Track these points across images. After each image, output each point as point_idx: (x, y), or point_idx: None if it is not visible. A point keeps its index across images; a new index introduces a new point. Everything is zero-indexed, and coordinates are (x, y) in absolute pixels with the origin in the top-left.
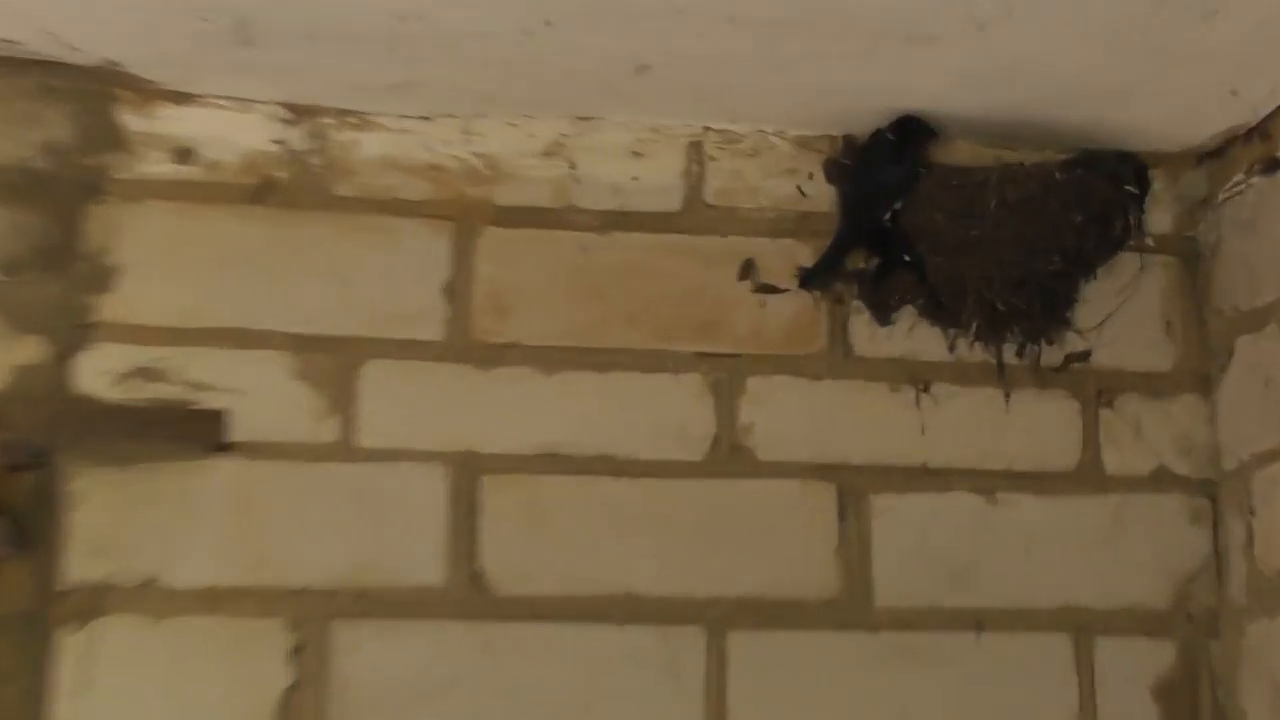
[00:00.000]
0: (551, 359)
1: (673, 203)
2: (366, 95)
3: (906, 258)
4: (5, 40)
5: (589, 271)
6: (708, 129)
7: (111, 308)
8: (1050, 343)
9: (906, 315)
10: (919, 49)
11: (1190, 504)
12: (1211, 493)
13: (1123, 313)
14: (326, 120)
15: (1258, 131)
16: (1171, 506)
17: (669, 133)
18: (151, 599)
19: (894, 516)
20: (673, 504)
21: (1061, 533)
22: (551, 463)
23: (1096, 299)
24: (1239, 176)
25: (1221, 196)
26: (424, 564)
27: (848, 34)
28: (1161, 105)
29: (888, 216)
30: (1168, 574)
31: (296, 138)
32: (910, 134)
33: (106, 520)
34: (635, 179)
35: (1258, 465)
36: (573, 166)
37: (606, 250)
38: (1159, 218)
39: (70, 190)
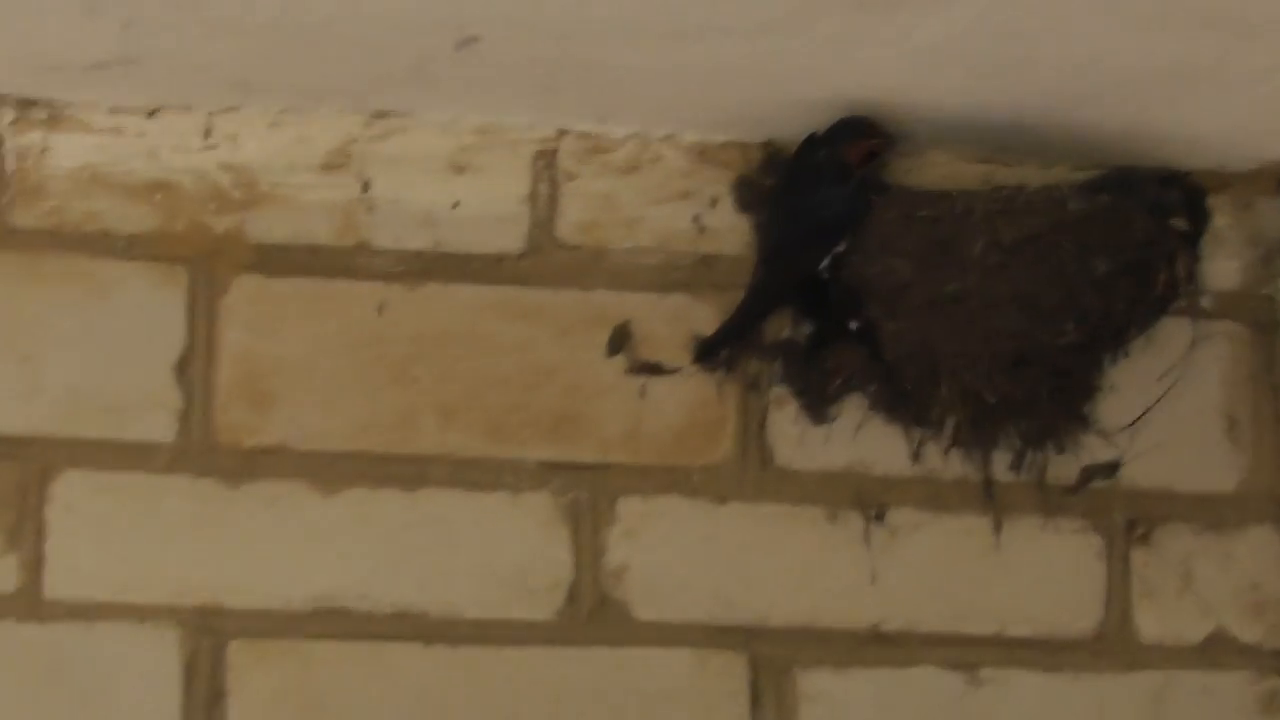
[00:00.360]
0: (333, 471)
1: (512, 241)
2: (58, 78)
3: (853, 324)
4: None
5: (388, 342)
6: (563, 132)
7: None
8: (1061, 450)
9: (852, 408)
10: (873, 18)
11: (1261, 686)
12: None
13: (1167, 406)
14: None
15: None
16: (1234, 690)
17: (507, 136)
18: None
19: (832, 704)
20: (511, 687)
21: None
22: (332, 623)
23: (1129, 386)
24: None
25: None
26: None
27: None
28: (1227, 103)
29: (826, 263)
30: None
31: None
32: (856, 135)
33: None
34: (457, 206)
35: None
36: (366, 187)
37: (414, 311)
38: (1222, 267)
39: None
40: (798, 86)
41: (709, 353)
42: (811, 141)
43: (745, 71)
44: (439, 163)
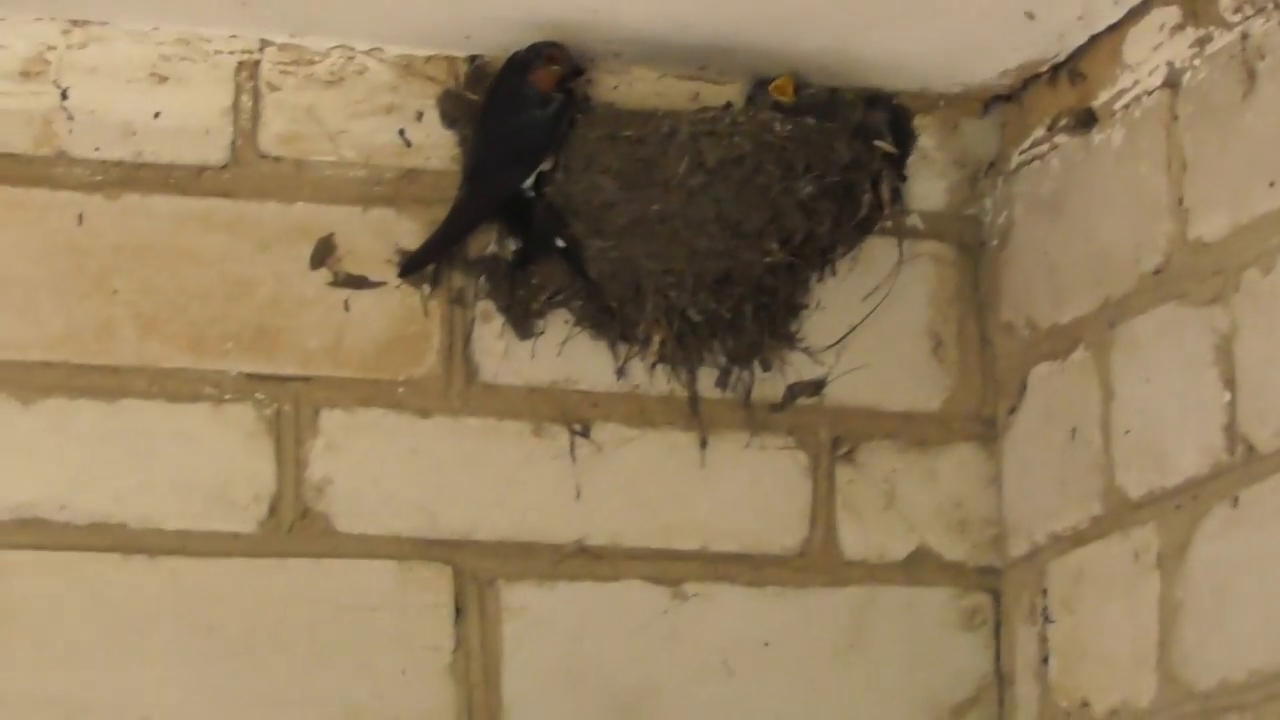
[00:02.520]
0: (30, 381)
1: (213, 152)
2: None
3: (559, 241)
4: None
5: (88, 252)
6: (266, 43)
7: None
8: (767, 368)
9: (557, 324)
10: None
11: (963, 603)
12: (993, 587)
13: (873, 325)
14: None
15: (1066, 70)
16: (936, 606)
17: (207, 47)
18: None
19: (535, 617)
20: (212, 598)
21: (780, 642)
22: (26, 534)
23: (835, 305)
24: (1040, 133)
25: (1015, 161)
26: None
27: None
28: (931, 27)
29: (530, 182)
30: (930, 703)
31: None
32: (541, 62)
33: None
34: (157, 116)
35: (1056, 550)
36: (64, 95)
37: (114, 221)
38: (928, 188)
39: None
40: (499, 6)
41: (413, 268)
42: (511, 63)
43: None
44: (139, 72)
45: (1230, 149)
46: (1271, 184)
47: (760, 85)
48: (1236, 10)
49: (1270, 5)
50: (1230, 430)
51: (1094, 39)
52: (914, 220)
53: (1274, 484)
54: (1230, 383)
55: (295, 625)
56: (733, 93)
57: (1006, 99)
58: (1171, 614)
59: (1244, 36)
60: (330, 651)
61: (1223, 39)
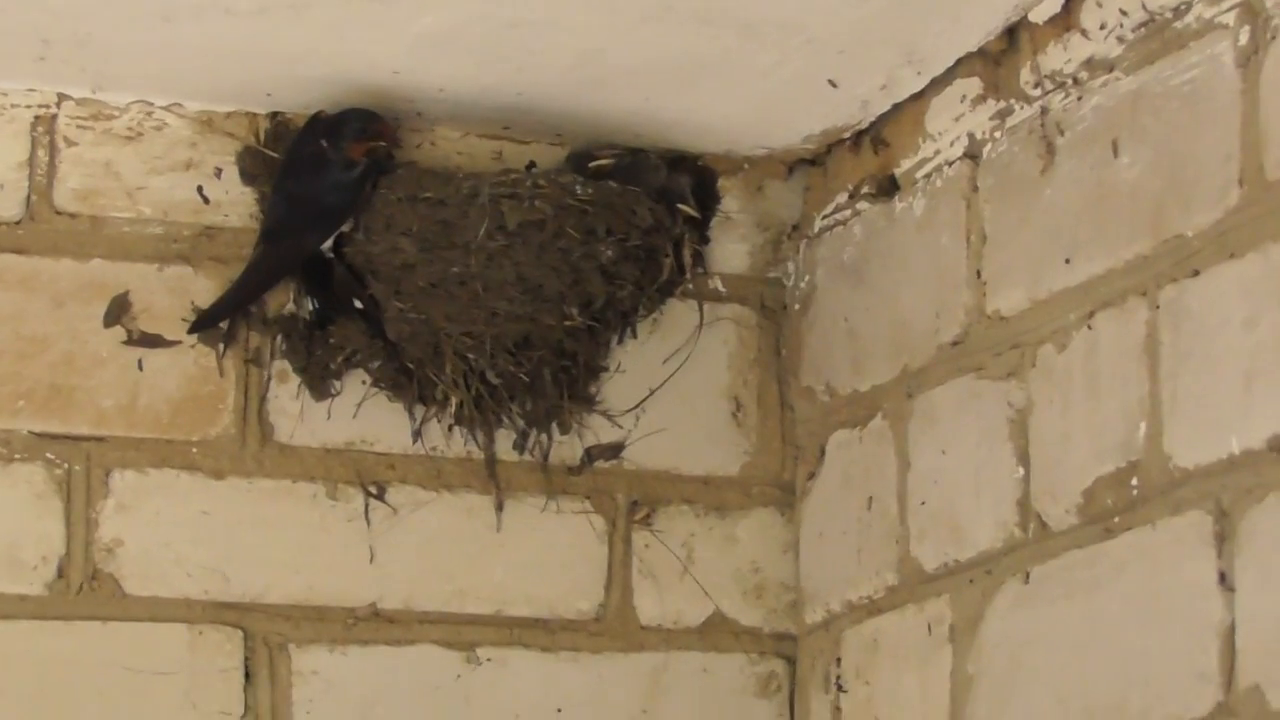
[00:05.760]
0: None
1: (7, 207)
2: None
3: (357, 302)
4: None
5: None
6: (63, 97)
7: None
8: (565, 431)
9: (354, 385)
10: (371, 5)
11: (758, 669)
12: (789, 654)
13: (672, 389)
14: None
15: (870, 137)
16: (732, 672)
17: (3, 100)
18: None
19: (327, 682)
20: None
21: (574, 708)
22: None
23: (635, 368)
24: (842, 198)
25: (818, 225)
26: None
27: None
28: (734, 94)
29: (329, 244)
30: None
31: None
32: (360, 134)
33: None
34: None
35: (851, 619)
36: None
37: None
38: (730, 250)
39: None
40: (300, 66)
41: (204, 324)
42: (315, 123)
43: (247, 50)
44: None
45: (1029, 223)
46: (1068, 260)
47: (580, 158)
48: (1036, 85)
49: (1070, 81)
50: (1023, 505)
51: (897, 107)
52: (716, 283)
53: (1065, 561)
54: (1024, 458)
55: (83, 689)
56: (536, 151)
57: (810, 163)
58: (963, 688)
59: (1043, 111)
60: (119, 716)
61: (1023, 113)
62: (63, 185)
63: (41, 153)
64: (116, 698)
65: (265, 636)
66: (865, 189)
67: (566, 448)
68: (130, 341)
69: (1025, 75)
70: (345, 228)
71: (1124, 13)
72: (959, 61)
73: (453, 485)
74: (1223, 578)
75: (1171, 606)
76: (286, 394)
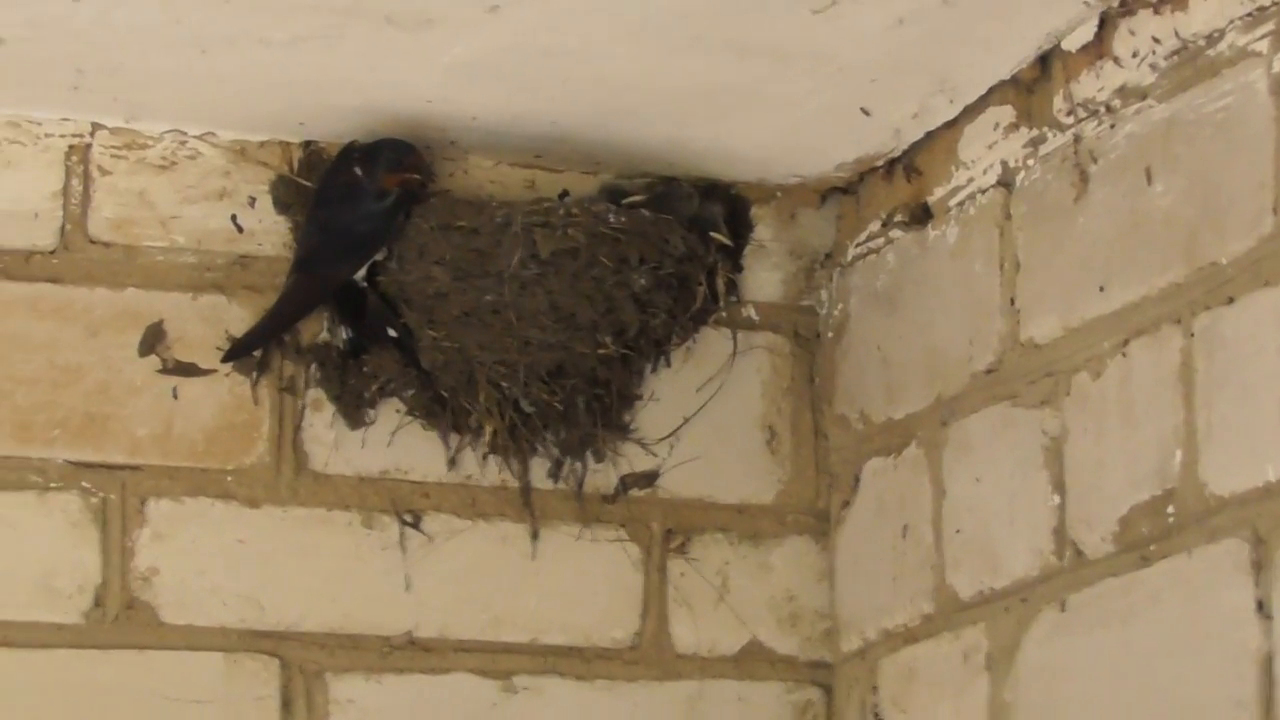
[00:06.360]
0: None
1: (41, 236)
2: None
3: (390, 331)
4: None
5: None
6: (98, 126)
7: None
8: (600, 459)
9: (389, 414)
10: (403, 36)
11: (794, 697)
12: (825, 682)
13: (706, 417)
14: None
15: (903, 165)
16: (768, 700)
17: (38, 130)
18: None
19: (363, 710)
20: (35, 690)
21: None
22: None
23: (669, 396)
24: (875, 226)
25: (851, 253)
26: None
27: (298, 10)
28: (767, 122)
29: (362, 273)
30: None
31: None
32: (395, 165)
33: None
34: None
35: (888, 647)
36: None
37: None
38: (764, 279)
39: None
40: (334, 95)
41: (238, 353)
42: (349, 153)
43: (281, 80)
44: None
45: (1062, 251)
46: (1101, 288)
47: (613, 193)
48: (1069, 113)
49: (1103, 109)
50: (1059, 533)
51: (929, 135)
52: (749, 311)
53: (1101, 589)
54: (1059, 486)
55: (120, 718)
56: (569, 180)
57: (843, 191)
58: (1000, 716)
59: (1076, 139)
60: None
61: (1056, 140)
62: (97, 214)
63: (76, 182)
64: None
65: (301, 665)
66: (898, 217)
67: (601, 476)
68: (165, 370)
69: (1058, 103)
70: (379, 256)
71: (1157, 40)
72: (992, 89)
73: (488, 514)
74: (1260, 606)
75: (1208, 634)
76: (321, 422)
